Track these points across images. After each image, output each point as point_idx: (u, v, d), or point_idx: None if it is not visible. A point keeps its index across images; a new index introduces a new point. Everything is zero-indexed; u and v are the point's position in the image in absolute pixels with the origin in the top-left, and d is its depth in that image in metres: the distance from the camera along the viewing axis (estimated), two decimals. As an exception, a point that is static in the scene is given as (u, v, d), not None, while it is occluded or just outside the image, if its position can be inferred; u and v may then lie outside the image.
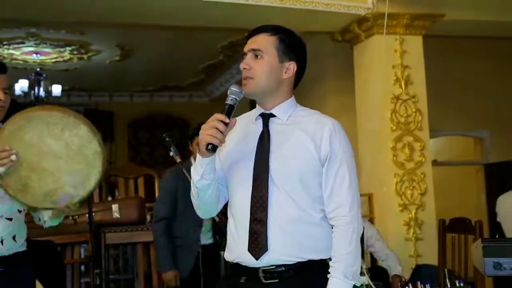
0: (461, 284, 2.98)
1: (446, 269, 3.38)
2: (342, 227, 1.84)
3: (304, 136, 1.87)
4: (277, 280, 1.83)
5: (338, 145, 1.87)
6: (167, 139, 2.85)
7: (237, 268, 1.89)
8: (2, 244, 2.16)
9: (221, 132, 1.76)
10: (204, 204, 1.94)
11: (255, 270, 1.85)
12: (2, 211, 2.17)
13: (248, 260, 1.84)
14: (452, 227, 3.95)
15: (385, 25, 5.22)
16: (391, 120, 5.34)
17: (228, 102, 1.83)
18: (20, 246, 2.24)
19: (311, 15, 5.17)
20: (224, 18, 5.44)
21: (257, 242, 1.82)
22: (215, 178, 1.89)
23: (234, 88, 1.85)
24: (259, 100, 1.95)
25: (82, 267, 4.82)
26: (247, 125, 1.95)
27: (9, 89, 2.29)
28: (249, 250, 1.83)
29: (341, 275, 1.80)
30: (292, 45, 1.93)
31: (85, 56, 8.28)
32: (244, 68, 1.90)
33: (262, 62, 1.89)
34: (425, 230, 5.27)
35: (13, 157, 2.00)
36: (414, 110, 5.39)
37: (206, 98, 10.85)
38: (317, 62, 7.16)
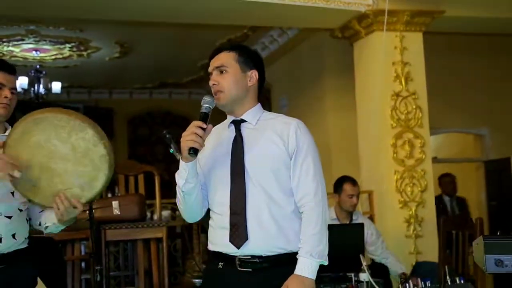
0: (461, 281, 2.98)
1: (446, 266, 3.38)
2: (308, 212, 2.04)
3: (273, 136, 2.08)
4: (250, 270, 2.02)
5: (302, 141, 2.08)
6: (167, 136, 2.86)
7: (217, 255, 2.09)
8: (1, 242, 2.15)
9: (200, 137, 1.95)
10: (190, 207, 2.12)
11: (233, 257, 2.03)
12: (1, 209, 2.17)
13: (229, 250, 2.03)
14: (453, 224, 3.95)
15: (385, 22, 5.21)
16: (391, 117, 5.34)
17: (203, 110, 2.03)
18: (20, 243, 2.23)
19: (311, 11, 5.16)
20: (224, 15, 5.44)
21: (238, 233, 2.01)
22: (198, 181, 2.07)
23: (207, 98, 2.06)
24: (230, 109, 2.15)
25: (83, 264, 4.82)
26: (221, 132, 2.15)
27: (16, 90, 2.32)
28: (230, 241, 2.02)
29: (307, 254, 2.00)
30: (250, 56, 2.17)
31: (84, 53, 8.27)
32: (213, 84, 2.10)
33: (227, 75, 2.10)
34: (425, 227, 5.28)
35: (16, 173, 2.02)
36: (414, 107, 5.39)
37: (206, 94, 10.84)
38: (317, 59, 7.17)
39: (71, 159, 2.07)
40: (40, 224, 2.31)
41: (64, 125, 2.05)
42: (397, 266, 4.12)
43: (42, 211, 2.30)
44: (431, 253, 4.94)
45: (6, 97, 2.22)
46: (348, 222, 4.19)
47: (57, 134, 2.05)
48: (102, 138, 2.07)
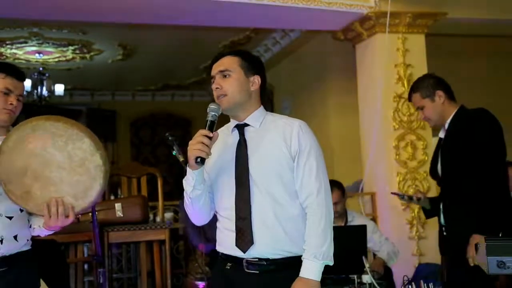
0: (464, 283, 2.97)
1: (449, 268, 3.37)
2: (312, 213, 2.05)
3: (276, 138, 2.09)
4: (257, 272, 2.03)
5: (304, 141, 2.08)
6: (169, 138, 2.87)
7: (225, 256, 2.12)
8: (2, 243, 2.14)
9: (207, 145, 1.96)
10: (198, 212, 2.13)
11: (240, 259, 2.06)
12: (2, 210, 2.16)
13: (236, 253, 2.06)
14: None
15: (387, 24, 5.21)
16: (393, 119, 5.34)
17: (209, 119, 2.03)
18: (23, 245, 2.22)
19: (313, 14, 5.16)
20: (227, 18, 5.44)
21: (244, 237, 2.03)
22: (206, 187, 2.09)
23: (213, 106, 2.06)
24: (233, 113, 2.15)
25: (85, 266, 4.83)
26: (225, 137, 2.15)
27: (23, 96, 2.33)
28: (236, 245, 2.04)
29: (311, 256, 2.00)
30: (254, 61, 2.18)
31: (87, 56, 8.29)
32: (216, 88, 2.10)
33: (231, 80, 2.10)
34: (428, 229, 5.27)
35: None
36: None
37: (208, 97, 10.86)
38: (319, 61, 7.17)
39: (67, 167, 2.05)
40: (30, 226, 2.30)
41: (61, 134, 2.04)
42: (384, 254, 4.14)
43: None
44: (434, 255, 4.93)
45: (11, 104, 2.22)
46: (343, 223, 4.17)
47: (54, 142, 2.04)
48: (98, 148, 2.06)
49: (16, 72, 2.27)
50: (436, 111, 3.11)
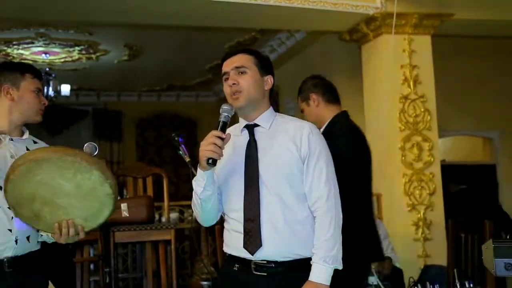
0: (471, 285, 2.97)
1: (455, 270, 3.36)
2: (321, 216, 2.03)
3: (286, 140, 2.07)
4: (265, 274, 2.01)
5: (315, 145, 2.06)
6: (176, 138, 2.87)
7: (232, 257, 2.09)
8: (17, 243, 2.17)
9: (219, 147, 1.94)
10: (207, 213, 2.12)
11: (248, 261, 2.04)
12: None
13: (244, 255, 2.04)
14: (462, 228, 3.93)
15: (393, 25, 5.21)
16: (399, 120, 5.33)
17: (222, 119, 2.01)
18: (34, 246, 2.25)
19: (319, 14, 5.17)
20: (233, 18, 5.45)
21: (252, 240, 2.01)
22: (216, 188, 2.07)
23: (225, 107, 2.03)
24: (245, 112, 2.12)
25: (91, 266, 4.84)
26: (233, 138, 2.10)
27: None
28: (244, 247, 2.02)
29: (321, 260, 1.98)
30: (266, 61, 2.17)
31: (93, 56, 8.31)
32: (233, 84, 2.06)
33: (247, 76, 2.08)
34: (434, 230, 5.26)
35: None
36: (422, 110, 5.38)
37: (214, 97, 10.88)
38: (325, 62, 7.16)
39: (76, 195, 2.05)
40: (38, 230, 2.30)
41: (69, 167, 2.01)
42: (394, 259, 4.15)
43: None
44: (439, 256, 4.93)
45: (44, 103, 2.29)
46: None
47: (62, 175, 2.02)
48: (107, 178, 2.04)
49: (39, 72, 2.33)
50: (312, 115, 2.95)
